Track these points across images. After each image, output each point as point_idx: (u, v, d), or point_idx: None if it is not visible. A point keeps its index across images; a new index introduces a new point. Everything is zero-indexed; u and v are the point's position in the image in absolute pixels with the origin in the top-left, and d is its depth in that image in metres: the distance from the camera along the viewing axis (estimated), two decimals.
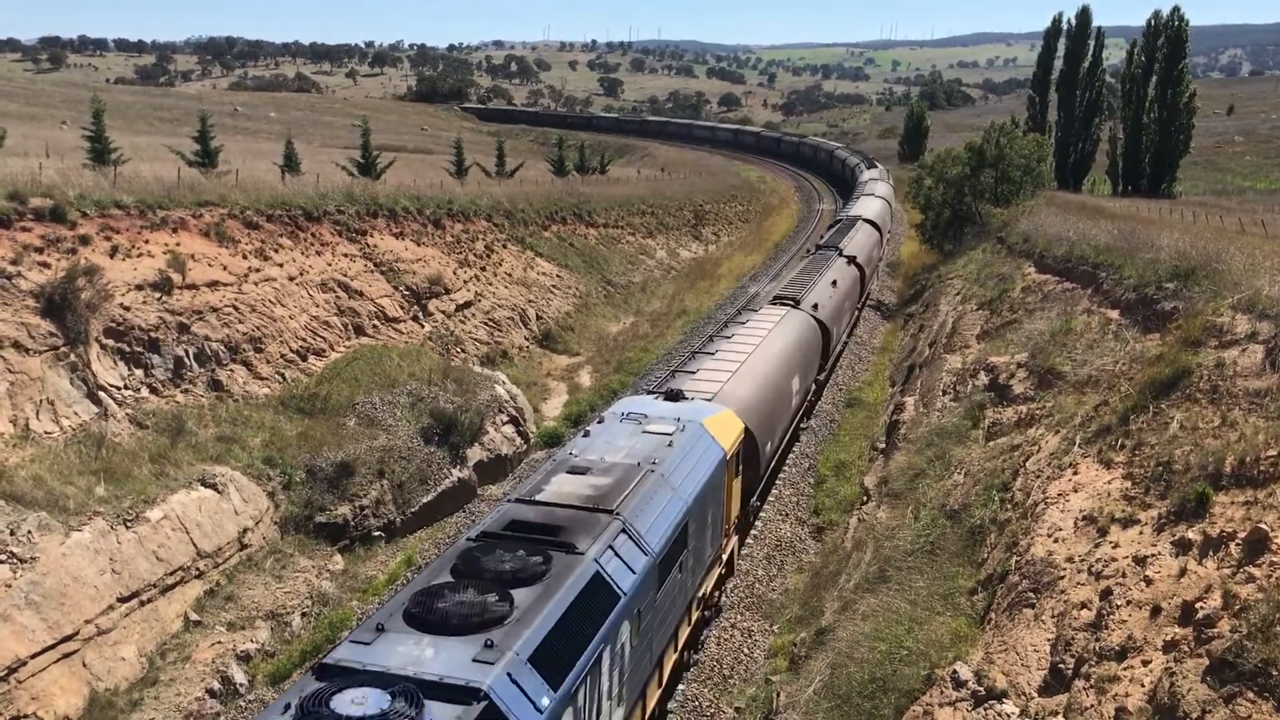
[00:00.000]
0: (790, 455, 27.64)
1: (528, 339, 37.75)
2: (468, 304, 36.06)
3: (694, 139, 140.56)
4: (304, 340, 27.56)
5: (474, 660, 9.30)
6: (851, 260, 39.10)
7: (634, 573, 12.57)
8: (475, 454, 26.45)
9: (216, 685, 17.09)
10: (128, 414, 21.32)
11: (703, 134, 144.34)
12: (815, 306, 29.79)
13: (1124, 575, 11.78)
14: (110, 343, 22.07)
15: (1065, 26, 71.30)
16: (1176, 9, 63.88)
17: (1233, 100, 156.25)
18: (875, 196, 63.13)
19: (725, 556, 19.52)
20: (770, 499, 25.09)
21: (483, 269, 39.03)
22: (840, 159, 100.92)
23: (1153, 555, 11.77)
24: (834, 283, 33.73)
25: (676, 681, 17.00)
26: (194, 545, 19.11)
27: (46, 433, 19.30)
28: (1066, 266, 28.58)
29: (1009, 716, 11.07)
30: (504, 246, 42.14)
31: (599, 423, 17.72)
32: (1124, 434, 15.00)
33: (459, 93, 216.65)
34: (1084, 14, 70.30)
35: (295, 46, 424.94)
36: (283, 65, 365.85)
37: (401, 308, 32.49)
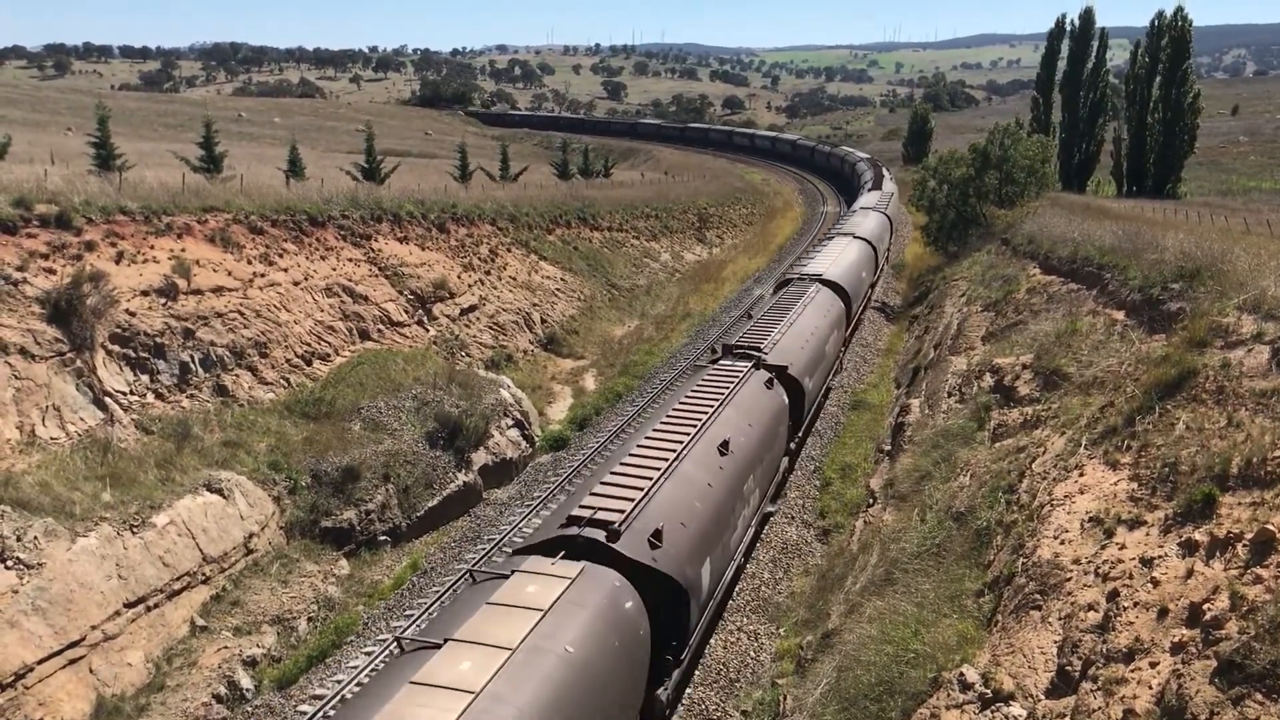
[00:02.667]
0: (794, 462, 27.46)
1: (532, 343, 37.77)
2: (472, 308, 36.09)
3: (733, 146, 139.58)
4: (309, 345, 27.60)
5: None
6: (779, 375, 23.44)
7: None
8: (480, 458, 26.46)
9: (223, 690, 17.11)
10: (133, 420, 21.36)
11: (742, 141, 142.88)
12: (656, 538, 14.66)
13: (1131, 577, 11.75)
14: (116, 348, 22.12)
15: (1069, 28, 71.15)
16: (1180, 9, 63.71)
17: (1237, 100, 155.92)
18: (855, 238, 45.15)
19: None
20: (776, 502, 24.79)
21: (487, 273, 39.06)
22: (859, 172, 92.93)
23: (1159, 557, 11.74)
24: (724, 446, 18.48)
25: None
26: (200, 551, 19.14)
27: (53, 439, 19.34)
28: (1071, 268, 28.53)
29: (1016, 719, 11.04)
30: (508, 250, 42.18)
31: None
32: (1130, 435, 14.96)
33: (463, 97, 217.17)
34: (1087, 15, 70.15)
35: (299, 52, 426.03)
36: (287, 71, 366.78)
37: (406, 312, 32.53)
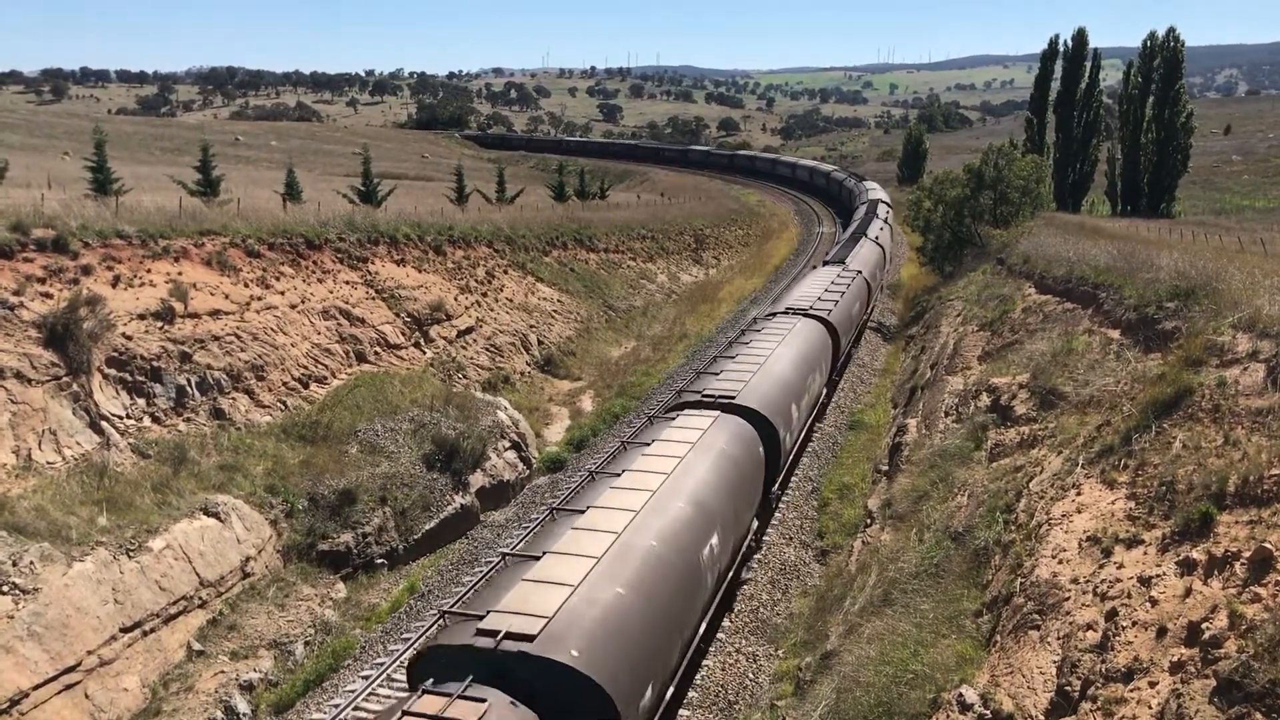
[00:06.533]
0: (793, 480, 27.51)
1: (529, 364, 37.77)
2: (469, 330, 36.11)
3: (776, 176, 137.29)
4: (306, 368, 27.59)
5: None
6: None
7: None
8: (477, 480, 26.42)
9: (220, 715, 17.01)
10: (130, 443, 21.32)
11: (784, 171, 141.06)
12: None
13: (1129, 596, 11.73)
14: (112, 372, 22.11)
15: (1062, 48, 71.66)
16: (1172, 30, 64.36)
17: (1230, 120, 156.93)
18: (728, 414, 20.50)
19: None
20: (773, 523, 24.89)
21: (484, 295, 39.11)
22: (855, 218, 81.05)
23: (1157, 575, 11.72)
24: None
25: None
26: (196, 574, 19.06)
27: (49, 463, 19.30)
28: (1067, 287, 28.62)
29: None
30: (505, 272, 42.25)
31: None
32: (1127, 454, 14.98)
33: (459, 120, 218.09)
34: (1080, 36, 70.68)
35: (296, 76, 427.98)
36: (284, 94, 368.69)
37: (403, 334, 32.55)
